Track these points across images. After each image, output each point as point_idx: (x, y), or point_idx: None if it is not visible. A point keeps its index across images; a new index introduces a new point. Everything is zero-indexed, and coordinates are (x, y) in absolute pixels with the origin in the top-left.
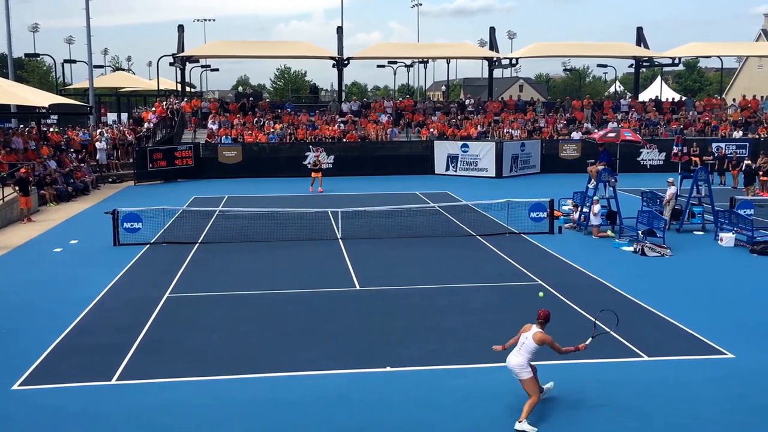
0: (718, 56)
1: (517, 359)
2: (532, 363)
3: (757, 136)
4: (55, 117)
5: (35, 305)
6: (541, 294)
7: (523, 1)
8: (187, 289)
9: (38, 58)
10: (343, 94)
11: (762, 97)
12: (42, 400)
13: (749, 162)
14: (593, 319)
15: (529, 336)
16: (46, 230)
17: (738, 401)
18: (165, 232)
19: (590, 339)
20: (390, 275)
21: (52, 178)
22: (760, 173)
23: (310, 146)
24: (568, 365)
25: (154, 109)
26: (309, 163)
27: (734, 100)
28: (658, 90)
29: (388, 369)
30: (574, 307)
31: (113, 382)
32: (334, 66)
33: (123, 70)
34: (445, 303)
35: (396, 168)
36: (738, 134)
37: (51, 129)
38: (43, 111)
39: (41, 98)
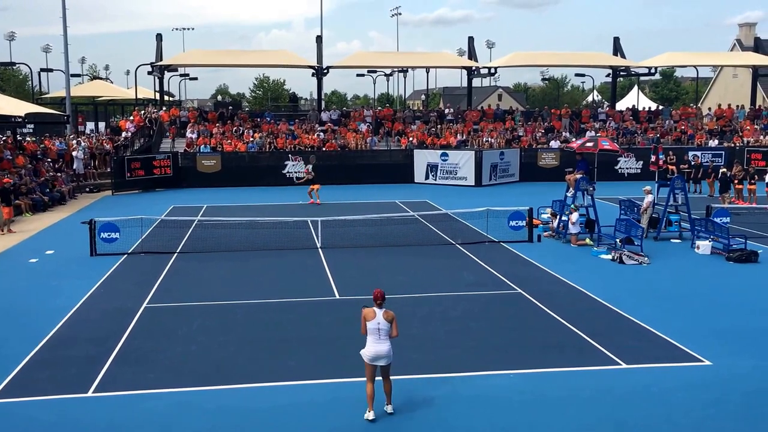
0: (694, 66)
1: (386, 345)
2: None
3: (732, 145)
4: (32, 126)
5: (10, 317)
6: None
7: (502, 11)
8: (165, 299)
9: (14, 67)
10: (323, 103)
11: (737, 106)
12: (17, 413)
13: (725, 170)
14: None
15: (381, 318)
16: (22, 240)
17: (715, 408)
18: (143, 242)
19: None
20: (370, 284)
21: (27, 187)
22: (735, 181)
23: (289, 155)
24: (546, 374)
25: (132, 118)
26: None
27: (710, 109)
28: (635, 99)
29: None
30: (553, 314)
31: (89, 394)
32: (313, 75)
33: (100, 78)
34: (425, 312)
35: (375, 177)
36: (713, 143)
37: (27, 138)
38: (19, 120)
39: (17, 107)
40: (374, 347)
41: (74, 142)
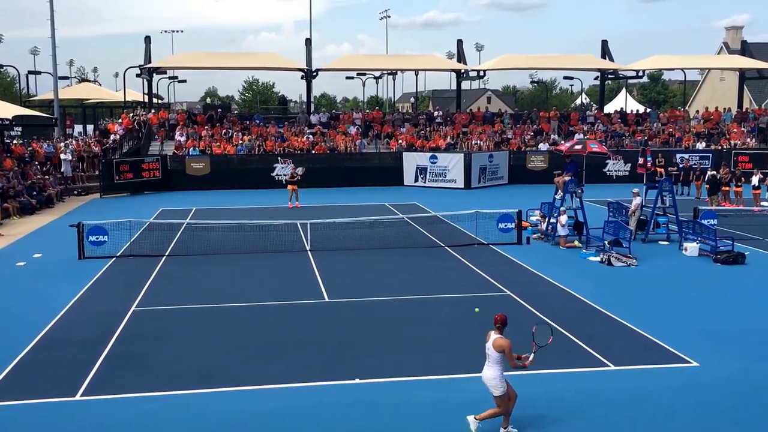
0: (682, 69)
1: (490, 372)
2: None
3: (719, 148)
4: (19, 129)
5: None
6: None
7: (491, 14)
8: (153, 302)
9: (2, 69)
10: (312, 106)
11: (724, 108)
12: (5, 415)
13: (713, 173)
14: (532, 333)
15: (490, 344)
16: (9, 244)
17: (702, 409)
18: (131, 245)
19: (532, 355)
20: (359, 287)
21: (15, 190)
22: (723, 183)
23: (278, 158)
24: (535, 375)
25: (120, 120)
26: (286, 176)
27: (697, 111)
28: (623, 102)
29: (357, 381)
30: (541, 316)
31: (78, 398)
32: (302, 77)
33: (89, 81)
34: (414, 314)
35: (365, 179)
36: (701, 145)
37: (14, 141)
38: (7, 123)
39: (5, 110)
40: (483, 369)
41: (62, 144)
